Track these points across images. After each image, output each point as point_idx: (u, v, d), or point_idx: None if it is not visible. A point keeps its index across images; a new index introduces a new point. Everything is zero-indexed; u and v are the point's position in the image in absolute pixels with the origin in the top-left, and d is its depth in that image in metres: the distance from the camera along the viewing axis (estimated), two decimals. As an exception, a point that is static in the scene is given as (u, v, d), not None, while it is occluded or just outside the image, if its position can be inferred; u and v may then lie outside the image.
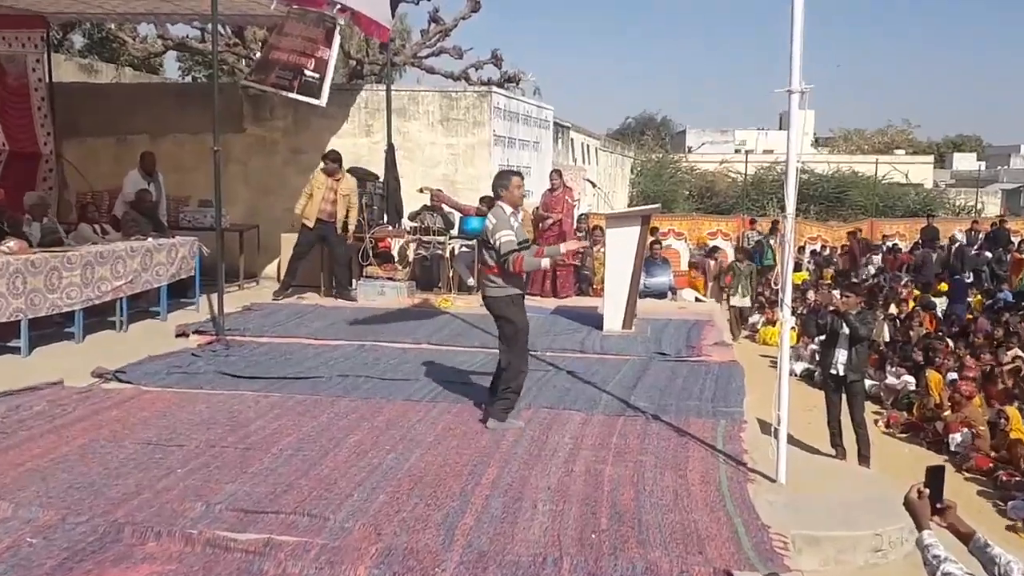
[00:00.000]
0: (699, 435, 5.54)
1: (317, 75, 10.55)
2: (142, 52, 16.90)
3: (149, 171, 10.36)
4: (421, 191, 11.43)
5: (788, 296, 4.86)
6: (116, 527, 3.92)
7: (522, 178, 5.80)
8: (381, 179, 11.53)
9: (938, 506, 2.52)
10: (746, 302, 14.92)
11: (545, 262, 5.96)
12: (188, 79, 27.22)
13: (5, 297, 7.03)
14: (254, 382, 6.70)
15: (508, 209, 5.65)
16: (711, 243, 18.11)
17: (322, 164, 10.57)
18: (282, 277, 10.90)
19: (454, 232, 11.55)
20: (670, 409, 6.13)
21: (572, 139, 23.16)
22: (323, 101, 10.72)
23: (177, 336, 8.31)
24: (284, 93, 10.71)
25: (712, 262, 15.89)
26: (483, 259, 5.84)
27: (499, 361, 5.80)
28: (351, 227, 10.77)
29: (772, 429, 4.93)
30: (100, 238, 8.93)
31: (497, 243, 5.55)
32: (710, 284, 15.57)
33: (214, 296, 8.77)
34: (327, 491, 4.46)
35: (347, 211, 10.63)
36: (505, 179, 5.71)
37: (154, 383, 6.62)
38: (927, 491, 2.52)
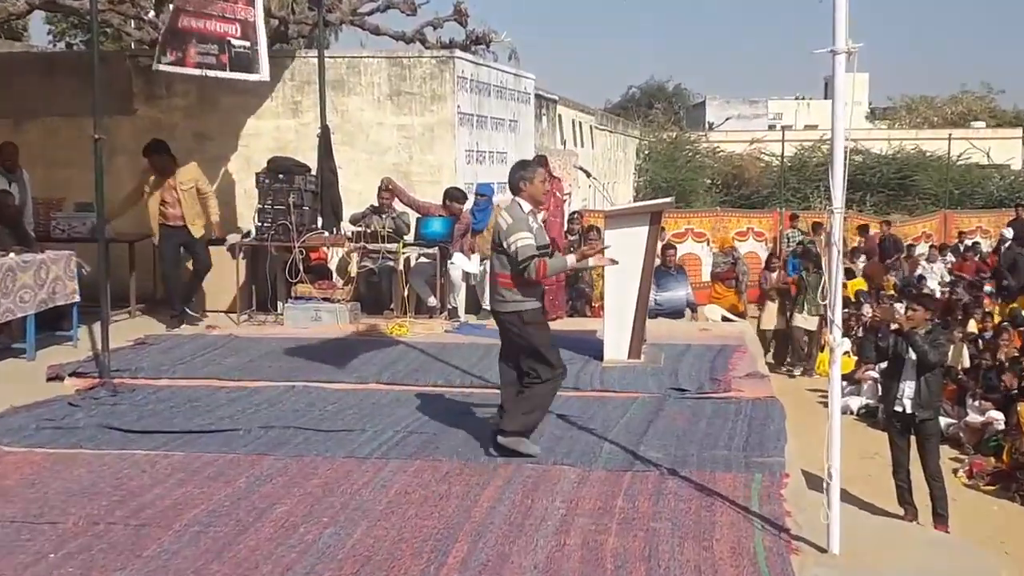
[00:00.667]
0: (728, 494, 5.56)
1: (247, 43, 10.56)
2: (0, 13, 16.81)
3: (9, 167, 10.30)
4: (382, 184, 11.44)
5: (839, 313, 4.89)
6: (-31, 633, 3.87)
7: (548, 168, 6.19)
8: (313, 171, 11.53)
9: None
10: (813, 323, 14.81)
11: (571, 259, 6.49)
12: (61, 47, 27.15)
13: None
14: (150, 438, 6.64)
15: (526, 207, 6.08)
16: (741, 246, 18.22)
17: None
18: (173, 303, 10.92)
19: (409, 238, 11.56)
20: (691, 461, 6.14)
21: (560, 115, 23.34)
22: (265, 75, 10.75)
23: (49, 380, 8.26)
24: (215, 74, 10.69)
25: (774, 275, 15.66)
26: (494, 267, 6.30)
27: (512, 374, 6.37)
28: (214, 219, 10.91)
29: (822, 484, 4.95)
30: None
31: (513, 248, 5.95)
32: (769, 304, 15.41)
33: (97, 327, 8.70)
34: (246, 579, 4.43)
35: (203, 206, 10.78)
36: (529, 170, 6.16)
37: (19, 442, 6.56)
38: None
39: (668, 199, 13.10)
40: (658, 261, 12.01)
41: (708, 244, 18.28)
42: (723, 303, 15.50)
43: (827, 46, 4.75)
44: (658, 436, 6.70)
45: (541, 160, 11.79)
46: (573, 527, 5.06)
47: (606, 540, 4.90)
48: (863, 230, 20.71)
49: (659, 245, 10.27)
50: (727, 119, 55.72)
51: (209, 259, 11.00)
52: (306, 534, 4.97)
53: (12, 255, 8.88)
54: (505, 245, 5.98)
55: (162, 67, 10.84)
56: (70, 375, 8.33)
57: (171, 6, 11.16)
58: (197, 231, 10.73)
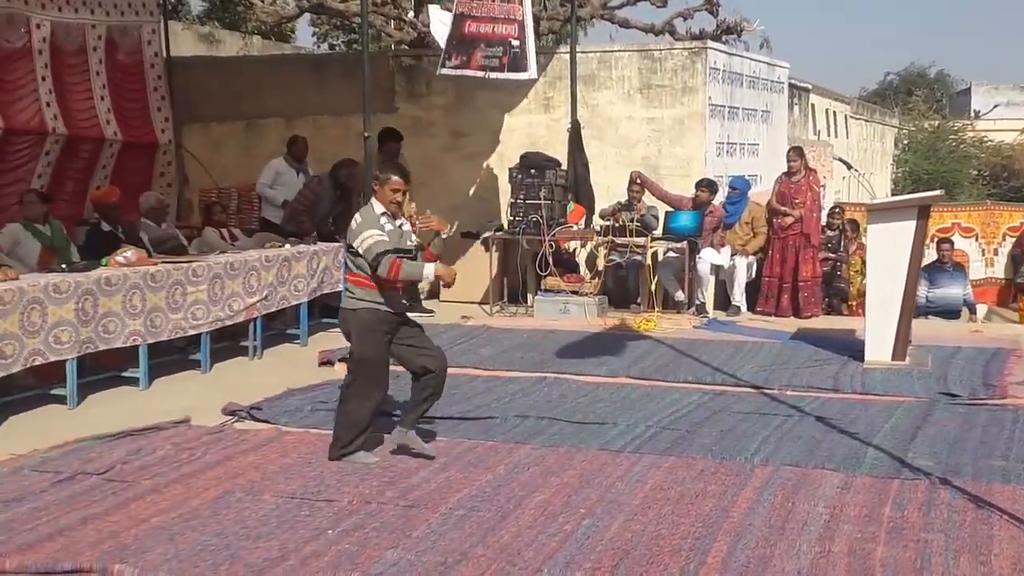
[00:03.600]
0: (1007, 506, 5.25)
1: (519, 42, 10.90)
2: (272, 16, 17.97)
3: (299, 158, 10.89)
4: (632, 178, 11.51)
5: None
6: (259, 599, 4.18)
7: (407, 180, 6.02)
8: (563, 166, 11.71)
9: None
10: None
11: (429, 269, 6.13)
12: (324, 48, 28.72)
13: (120, 318, 7.69)
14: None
15: (379, 208, 5.95)
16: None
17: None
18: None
19: (658, 232, 11.56)
20: (964, 470, 5.86)
21: (813, 104, 22.63)
22: (533, 73, 11.08)
23: (321, 365, 8.78)
24: (495, 75, 11.08)
25: None
26: (346, 264, 6.32)
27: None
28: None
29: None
30: (229, 245, 9.57)
31: (362, 247, 5.85)
32: None
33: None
34: (509, 563, 4.56)
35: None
36: (384, 174, 6.03)
37: (296, 422, 7.00)
38: None
39: (938, 192, 12.41)
40: (934, 256, 11.50)
41: (977, 239, 17.18)
42: None
43: None
44: (927, 443, 6.41)
45: (797, 151, 11.48)
46: (838, 534, 4.92)
47: (874, 549, 4.73)
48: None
49: (931, 240, 9.81)
50: (995, 106, 52.28)
51: None
52: (564, 524, 5.06)
53: (288, 247, 9.52)
54: (356, 246, 5.87)
55: (446, 71, 11.23)
56: (339, 360, 8.74)
57: (454, 14, 11.53)
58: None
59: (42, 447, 6.32)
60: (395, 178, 5.94)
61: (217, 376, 8.47)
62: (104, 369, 8.05)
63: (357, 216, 6.04)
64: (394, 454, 6.12)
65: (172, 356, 8.62)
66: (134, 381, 8.02)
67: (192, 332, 8.38)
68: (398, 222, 6.02)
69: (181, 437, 6.60)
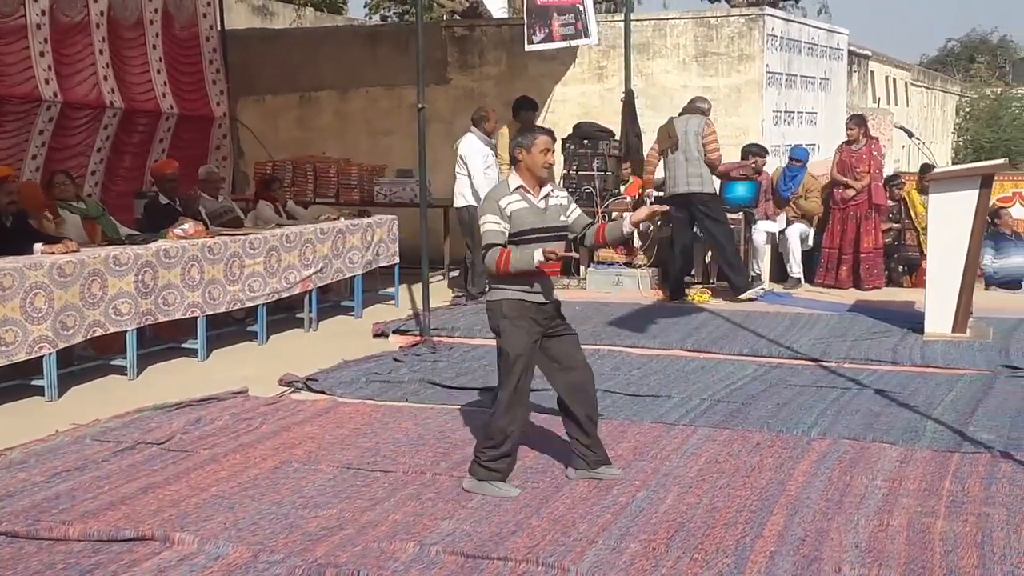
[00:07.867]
0: (1071, 482, 5.16)
1: (582, 6, 10.85)
2: (324, -11, 18.04)
3: (491, 133, 10.37)
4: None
5: None
6: (316, 569, 4.21)
7: (553, 137, 5.13)
8: (617, 136, 11.64)
9: None
10: None
11: (539, 254, 4.88)
12: (375, 19, 28.75)
13: (179, 289, 7.80)
14: (467, 394, 6.97)
15: (515, 182, 5.05)
16: None
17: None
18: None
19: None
20: (1027, 444, 5.76)
21: (872, 72, 22.25)
22: (595, 38, 11.03)
23: (375, 336, 8.84)
24: (576, 43, 11.02)
25: None
26: None
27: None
28: None
29: None
30: (283, 218, 9.65)
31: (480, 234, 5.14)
32: None
33: (416, 287, 9.21)
34: (564, 535, 4.58)
35: None
36: (527, 136, 5.08)
37: (351, 393, 7.05)
38: None
39: (1001, 160, 12.16)
40: (994, 227, 11.27)
41: (1039, 210, 16.84)
42: None
43: None
44: (988, 416, 6.31)
45: (857, 119, 11.28)
46: (896, 507, 4.87)
47: (933, 523, 4.68)
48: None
49: (992, 208, 9.64)
50: (1061, 72, 51.12)
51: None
52: (619, 496, 5.06)
53: (342, 219, 9.58)
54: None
55: (535, 47, 11.08)
56: (394, 332, 8.89)
57: None
58: None
59: (103, 417, 6.44)
60: (542, 137, 5.03)
61: (274, 347, 8.57)
62: (163, 340, 8.20)
63: (490, 192, 5.24)
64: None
65: (230, 327, 8.76)
66: (193, 352, 8.14)
67: (249, 304, 8.48)
68: (544, 192, 5.08)
69: (239, 407, 6.69)
